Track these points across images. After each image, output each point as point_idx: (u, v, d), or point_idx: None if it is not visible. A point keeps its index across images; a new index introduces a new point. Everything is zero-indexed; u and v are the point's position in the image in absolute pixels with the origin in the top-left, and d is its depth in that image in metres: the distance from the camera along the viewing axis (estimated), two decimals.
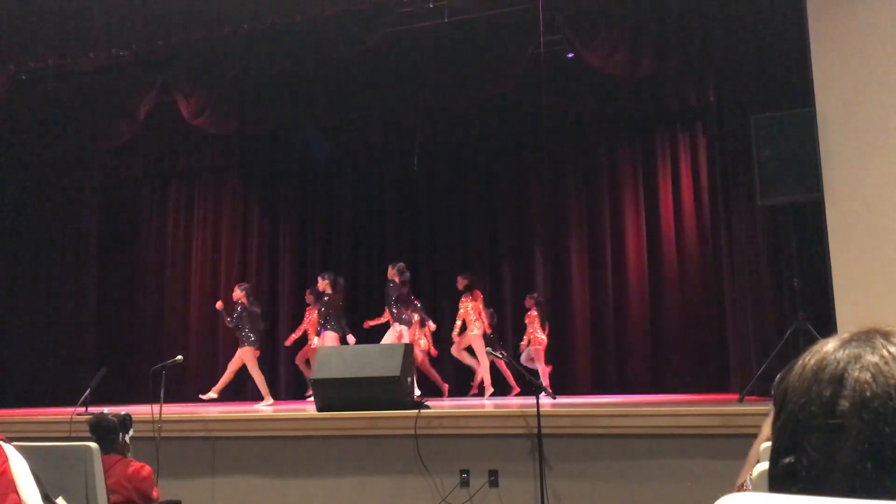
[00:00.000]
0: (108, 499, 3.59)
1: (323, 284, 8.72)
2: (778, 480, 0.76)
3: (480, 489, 5.47)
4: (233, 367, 8.81)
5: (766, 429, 2.74)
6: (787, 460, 0.76)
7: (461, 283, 9.05)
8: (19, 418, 7.14)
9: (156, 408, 5.57)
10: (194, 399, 9.40)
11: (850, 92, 5.48)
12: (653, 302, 9.60)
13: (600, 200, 10.00)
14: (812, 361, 0.79)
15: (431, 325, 8.99)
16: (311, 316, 9.43)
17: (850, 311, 5.21)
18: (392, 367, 6.16)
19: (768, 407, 2.74)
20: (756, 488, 2.22)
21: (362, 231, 11.04)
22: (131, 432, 4.12)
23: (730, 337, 8.29)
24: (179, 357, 6.33)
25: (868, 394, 0.73)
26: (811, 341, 0.87)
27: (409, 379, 6.27)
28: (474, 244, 10.53)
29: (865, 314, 4.96)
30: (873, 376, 0.74)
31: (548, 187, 10.17)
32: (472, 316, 8.87)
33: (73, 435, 5.76)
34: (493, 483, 5.47)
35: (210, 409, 7.97)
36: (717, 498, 0.71)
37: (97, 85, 9.76)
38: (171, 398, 8.63)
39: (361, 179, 11.10)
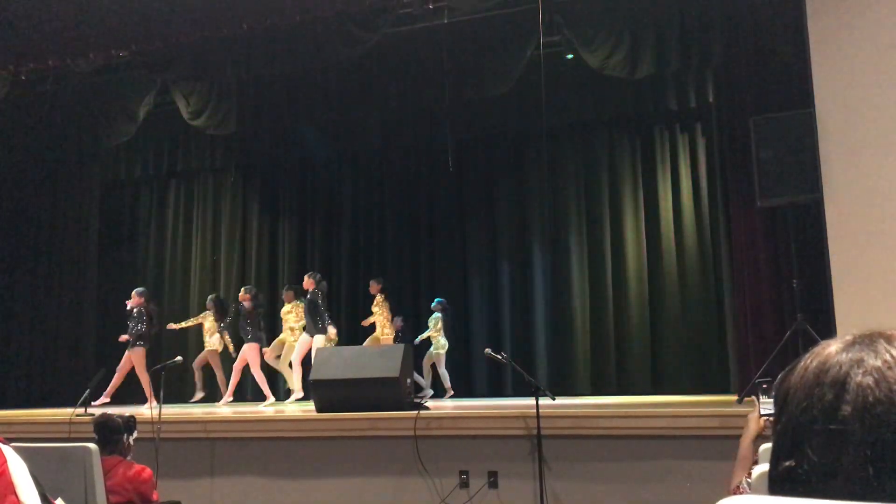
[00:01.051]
0: (108, 499, 3.59)
1: (244, 297, 9.02)
2: (778, 483, 0.76)
3: (480, 490, 5.47)
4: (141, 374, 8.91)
5: (752, 424, 2.73)
6: (787, 464, 0.75)
7: (375, 287, 9.24)
8: (19, 419, 7.13)
9: (155, 408, 5.57)
10: (193, 400, 9.40)
11: (849, 93, 5.49)
12: (652, 303, 9.59)
13: (600, 201, 9.99)
14: (814, 364, 0.78)
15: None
16: (208, 321, 9.54)
17: (849, 312, 5.21)
18: (391, 368, 6.16)
19: (752, 407, 2.74)
20: (755, 490, 2.22)
21: (362, 231, 11.04)
22: (135, 434, 4.12)
23: (729, 338, 8.29)
24: (179, 358, 6.33)
25: (871, 399, 0.72)
26: (810, 342, 0.87)
27: (408, 380, 6.27)
28: (473, 244, 10.53)
29: (865, 315, 4.97)
30: (876, 381, 0.73)
31: (547, 188, 10.16)
32: (384, 321, 9.15)
33: (73, 436, 5.77)
34: (493, 484, 5.47)
35: (209, 410, 7.97)
36: (715, 499, 0.71)
37: (97, 86, 9.76)
38: (171, 399, 8.65)
39: (361, 180, 11.11)
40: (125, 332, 9.75)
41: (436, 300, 9.40)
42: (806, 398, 0.76)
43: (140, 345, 8.76)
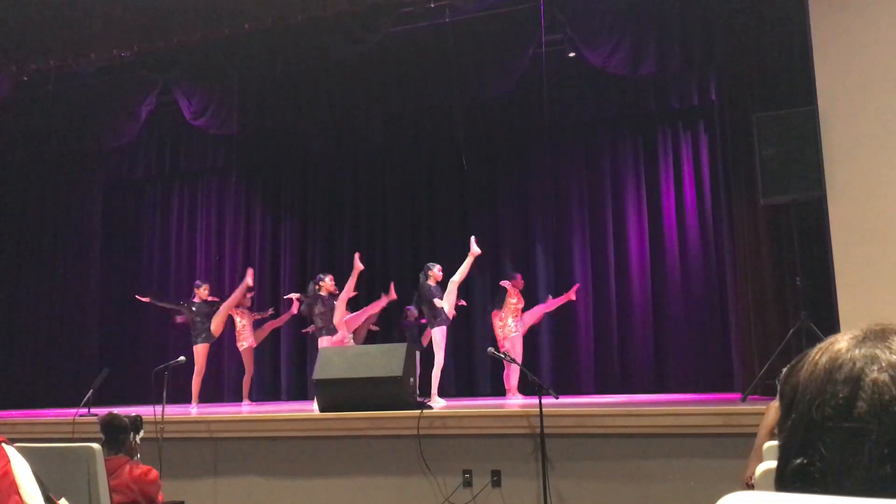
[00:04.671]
0: (112, 499, 3.59)
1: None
2: (789, 481, 0.75)
3: (483, 489, 5.46)
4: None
5: (772, 413, 2.72)
6: (798, 461, 0.74)
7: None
8: (22, 419, 7.14)
9: (158, 408, 5.57)
10: (198, 399, 9.39)
11: (852, 90, 5.48)
12: (655, 301, 9.58)
13: (602, 199, 9.98)
14: (824, 359, 0.77)
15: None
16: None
17: (853, 309, 5.20)
18: (395, 367, 6.16)
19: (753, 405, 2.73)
20: (759, 487, 2.21)
21: (363, 230, 11.04)
22: (142, 433, 4.11)
23: (732, 336, 8.27)
24: (182, 358, 6.34)
25: (887, 397, 0.71)
26: (814, 340, 0.85)
27: (411, 379, 6.27)
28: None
29: (869, 312, 4.95)
30: (892, 378, 0.72)
31: (550, 187, 10.16)
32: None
33: (77, 436, 5.78)
34: (496, 483, 5.47)
35: (212, 410, 7.98)
36: (719, 497, 0.70)
37: (98, 86, 9.76)
38: (174, 399, 8.66)
39: (363, 179, 11.10)
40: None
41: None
42: (818, 395, 0.75)
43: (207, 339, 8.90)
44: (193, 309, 8.93)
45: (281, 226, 11.37)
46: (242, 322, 9.31)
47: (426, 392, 7.59)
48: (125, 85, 9.76)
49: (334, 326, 8.43)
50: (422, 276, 8.13)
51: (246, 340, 9.25)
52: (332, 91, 9.42)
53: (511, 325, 8.59)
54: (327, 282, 8.64)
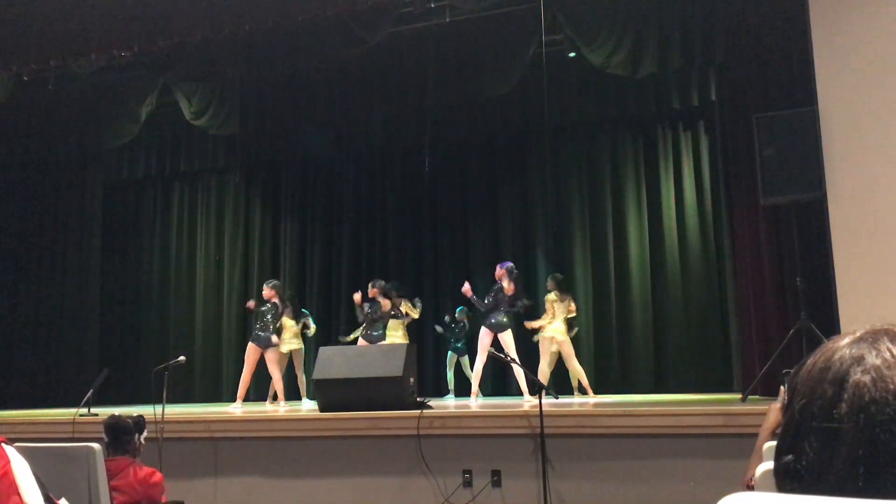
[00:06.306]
0: (114, 499, 3.59)
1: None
2: (780, 476, 0.77)
3: (483, 489, 5.46)
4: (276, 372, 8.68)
5: (773, 415, 2.73)
6: (787, 458, 0.76)
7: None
8: (22, 419, 7.14)
9: (158, 408, 5.57)
10: (198, 399, 9.39)
11: (852, 91, 5.48)
12: (655, 301, 9.58)
13: (603, 200, 9.99)
14: (821, 359, 0.78)
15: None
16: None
17: (853, 310, 5.20)
18: (394, 367, 6.16)
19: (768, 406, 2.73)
20: (759, 487, 2.22)
21: (364, 231, 11.04)
22: (145, 433, 4.11)
23: (732, 337, 8.27)
24: (182, 357, 6.34)
25: (866, 398, 0.72)
26: (814, 341, 0.86)
27: (411, 379, 6.27)
28: (476, 244, 10.53)
29: (869, 313, 4.96)
30: (873, 380, 0.72)
31: (550, 187, 10.16)
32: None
33: (77, 436, 5.78)
34: (496, 483, 5.47)
35: (212, 410, 7.98)
36: (719, 498, 0.70)
37: (99, 86, 9.77)
38: (175, 399, 8.67)
39: (363, 180, 11.11)
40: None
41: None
42: (808, 394, 0.76)
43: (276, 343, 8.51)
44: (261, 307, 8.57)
45: (281, 226, 11.37)
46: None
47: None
48: (125, 85, 9.76)
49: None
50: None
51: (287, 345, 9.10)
52: (333, 91, 9.43)
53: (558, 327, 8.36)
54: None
